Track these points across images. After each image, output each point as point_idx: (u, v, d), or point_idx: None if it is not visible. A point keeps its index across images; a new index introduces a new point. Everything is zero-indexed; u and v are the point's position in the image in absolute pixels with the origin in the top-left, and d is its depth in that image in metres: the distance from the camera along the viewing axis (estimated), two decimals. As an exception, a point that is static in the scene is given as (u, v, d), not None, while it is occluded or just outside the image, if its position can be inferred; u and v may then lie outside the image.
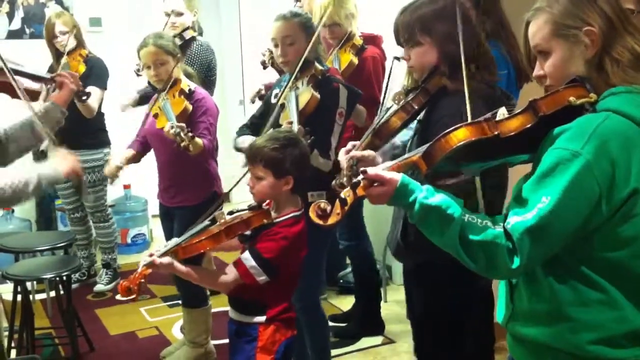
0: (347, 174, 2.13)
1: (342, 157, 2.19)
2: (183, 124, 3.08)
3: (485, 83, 2.08)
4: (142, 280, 2.20)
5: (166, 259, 2.22)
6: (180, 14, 4.23)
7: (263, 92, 3.95)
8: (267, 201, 2.40)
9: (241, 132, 3.09)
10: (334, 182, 2.23)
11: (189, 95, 3.33)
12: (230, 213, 2.36)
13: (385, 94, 2.24)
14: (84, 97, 3.17)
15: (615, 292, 1.50)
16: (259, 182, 2.35)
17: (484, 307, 2.36)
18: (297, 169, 2.37)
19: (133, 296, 2.21)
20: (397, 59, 2.20)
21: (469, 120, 1.66)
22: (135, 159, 3.49)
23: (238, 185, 2.58)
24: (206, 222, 2.31)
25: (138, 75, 4.04)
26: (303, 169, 2.40)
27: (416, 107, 2.14)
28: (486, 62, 2.12)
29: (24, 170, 2.24)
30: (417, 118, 2.21)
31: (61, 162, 2.42)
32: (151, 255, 2.24)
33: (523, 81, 2.78)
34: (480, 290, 2.23)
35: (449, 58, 2.04)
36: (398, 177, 1.56)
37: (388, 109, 2.21)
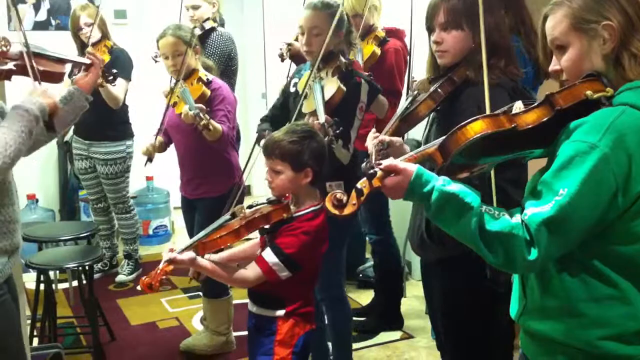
0: (378, 157, 2.13)
1: (370, 142, 2.19)
2: (202, 105, 3.11)
3: (509, 77, 2.08)
4: (164, 277, 2.20)
5: (187, 255, 2.21)
6: (197, 7, 4.28)
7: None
8: (287, 195, 2.39)
9: (259, 130, 3.08)
10: (363, 165, 2.24)
11: (207, 84, 3.36)
12: (250, 207, 2.35)
13: (408, 80, 2.26)
14: (110, 78, 3.08)
15: (628, 287, 1.50)
16: (277, 176, 2.33)
17: (503, 302, 2.34)
18: (316, 162, 2.35)
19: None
20: None
21: (487, 111, 1.66)
22: (162, 147, 3.53)
23: (260, 177, 2.58)
24: (226, 217, 2.30)
25: (155, 61, 4.08)
26: (321, 162, 2.38)
27: (444, 95, 2.15)
28: (512, 56, 2.13)
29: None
30: (436, 108, 2.21)
31: (42, 95, 2.14)
32: (172, 250, 2.23)
33: (542, 78, 2.75)
34: (504, 284, 2.22)
35: (487, 48, 2.04)
36: (413, 167, 1.55)
37: (416, 95, 2.21)
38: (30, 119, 1.98)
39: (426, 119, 2.26)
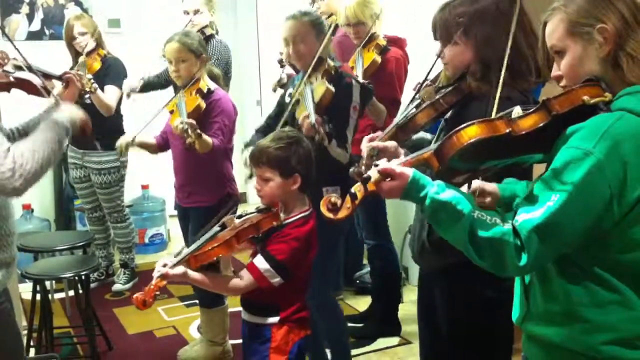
0: (367, 163, 2.12)
1: (364, 146, 2.18)
2: (193, 121, 3.12)
3: (519, 90, 2.03)
4: (157, 292, 2.19)
5: (179, 270, 2.21)
6: (198, 12, 4.31)
7: (285, 80, 3.96)
8: (276, 203, 2.37)
9: (250, 142, 3.09)
10: (351, 170, 2.23)
11: (207, 94, 3.35)
12: (239, 217, 2.36)
13: (421, 86, 2.20)
14: (87, 96, 3.16)
15: (630, 293, 1.49)
16: (266, 183, 2.35)
17: (507, 308, 2.32)
18: (304, 167, 2.37)
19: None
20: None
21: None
22: (152, 148, 3.52)
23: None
24: (216, 228, 2.29)
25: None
26: (309, 167, 2.40)
27: (446, 106, 2.10)
28: (522, 69, 2.04)
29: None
30: (445, 117, 2.18)
31: (74, 110, 2.24)
32: (164, 265, 2.23)
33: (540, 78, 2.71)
34: (507, 291, 2.20)
35: (483, 61, 2.01)
36: (409, 172, 1.55)
37: (419, 103, 2.17)
38: (60, 130, 2.03)
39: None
